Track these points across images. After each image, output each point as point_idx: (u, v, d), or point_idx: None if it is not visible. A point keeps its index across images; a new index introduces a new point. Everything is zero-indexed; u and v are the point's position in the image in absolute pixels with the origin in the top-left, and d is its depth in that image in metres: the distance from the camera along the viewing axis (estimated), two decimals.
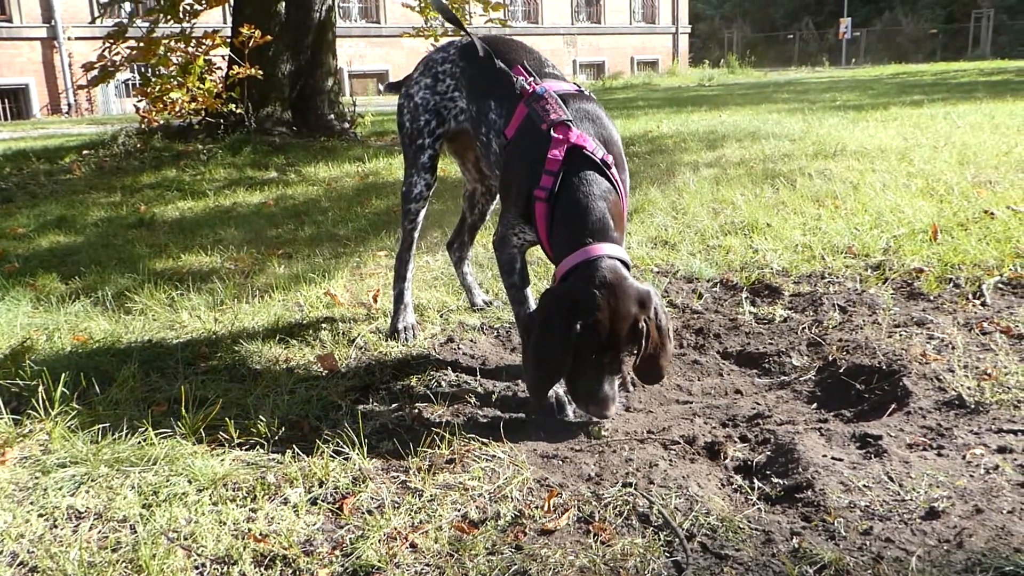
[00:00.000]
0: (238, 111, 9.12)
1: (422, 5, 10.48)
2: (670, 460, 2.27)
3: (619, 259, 2.37)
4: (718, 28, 41.88)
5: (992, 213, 4.43)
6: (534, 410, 2.60)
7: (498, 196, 3.32)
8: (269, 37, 8.74)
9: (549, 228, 2.49)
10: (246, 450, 2.35)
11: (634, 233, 4.56)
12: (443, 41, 9.77)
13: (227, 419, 2.48)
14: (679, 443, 2.37)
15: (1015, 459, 2.12)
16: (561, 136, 2.48)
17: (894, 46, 35.96)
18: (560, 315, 2.29)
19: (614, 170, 2.49)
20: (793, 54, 39.55)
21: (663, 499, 2.04)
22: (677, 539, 1.88)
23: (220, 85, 9.26)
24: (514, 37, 3.18)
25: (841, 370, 2.79)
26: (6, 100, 19.69)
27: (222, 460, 2.27)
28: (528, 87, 2.65)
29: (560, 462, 2.28)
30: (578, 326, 2.26)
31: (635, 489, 2.09)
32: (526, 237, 2.66)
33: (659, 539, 1.90)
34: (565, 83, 2.75)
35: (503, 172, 2.74)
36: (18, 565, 1.87)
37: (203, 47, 9.00)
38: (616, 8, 31.62)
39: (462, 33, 3.09)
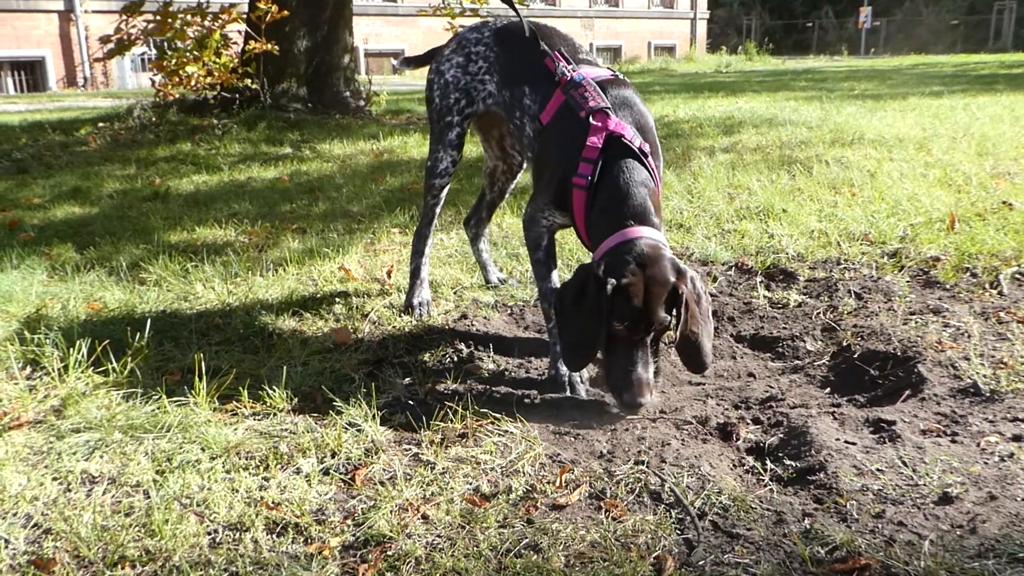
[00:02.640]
0: (254, 86, 9.10)
1: None
2: (682, 440, 2.27)
3: (659, 241, 2.35)
4: (736, 15, 41.48)
5: (1011, 204, 4.39)
6: (546, 388, 2.60)
7: (517, 175, 3.32)
8: (286, 12, 8.71)
9: (587, 216, 2.48)
10: (259, 420, 2.36)
11: None
12: (459, 21, 9.75)
13: (240, 389, 2.50)
14: (691, 423, 2.37)
15: None
16: (600, 124, 2.47)
17: (914, 36, 35.56)
18: (595, 283, 2.28)
19: (650, 159, 2.49)
20: (812, 42, 39.18)
21: (675, 477, 2.04)
22: (688, 517, 1.89)
23: (236, 60, 9.24)
24: (532, 19, 3.17)
25: (855, 355, 2.78)
26: (23, 72, 19.70)
27: (235, 429, 2.28)
28: (567, 74, 2.64)
29: (572, 439, 2.28)
30: (609, 286, 2.23)
31: (647, 467, 2.09)
32: (555, 220, 2.65)
33: (670, 517, 1.90)
34: (600, 68, 2.75)
35: (537, 157, 2.74)
36: (32, 527, 1.89)
37: (219, 21, 8.96)
38: None
39: (481, 13, 3.10)
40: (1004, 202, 4.44)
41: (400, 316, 3.15)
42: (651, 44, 31.69)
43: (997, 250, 3.64)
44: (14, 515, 1.92)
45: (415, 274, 3.24)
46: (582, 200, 2.47)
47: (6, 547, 1.81)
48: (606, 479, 2.05)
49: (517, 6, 3.03)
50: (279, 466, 2.12)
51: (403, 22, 24.17)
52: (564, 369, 2.59)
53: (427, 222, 3.23)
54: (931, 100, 10.06)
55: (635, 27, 31.20)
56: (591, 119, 2.48)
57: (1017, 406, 2.33)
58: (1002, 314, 2.98)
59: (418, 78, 21.44)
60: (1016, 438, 2.16)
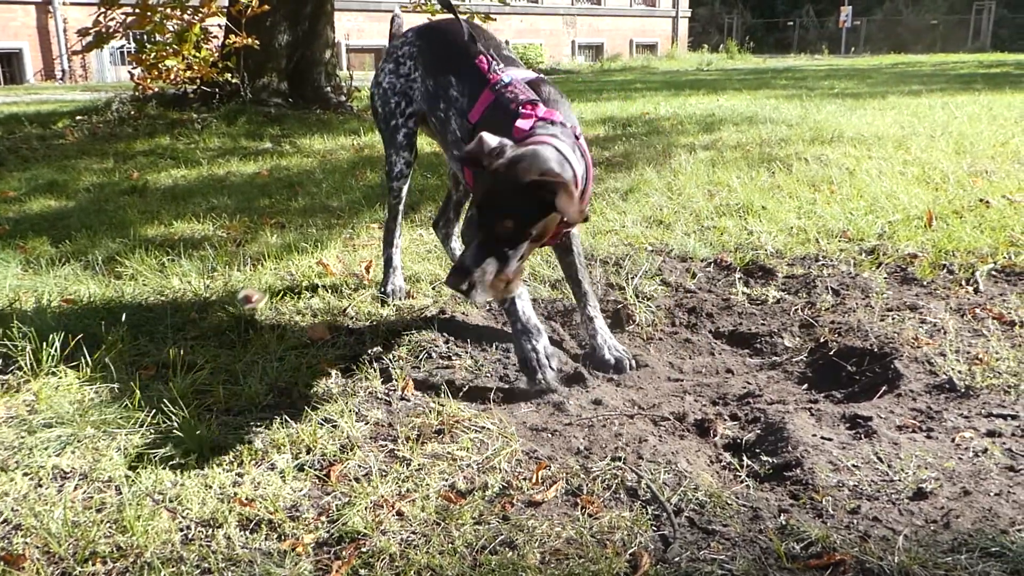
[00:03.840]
0: (234, 81, 9.03)
1: None
2: (660, 436, 2.27)
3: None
4: (718, 13, 41.57)
5: (987, 202, 4.43)
6: (523, 382, 2.58)
7: None
8: (267, 7, 8.64)
9: None
10: (234, 415, 2.34)
11: (629, 212, 4.54)
12: (439, 17, 9.67)
13: (216, 384, 2.47)
14: (669, 419, 2.37)
15: (1004, 443, 2.12)
16: (529, 111, 2.48)
17: (894, 36, 35.84)
18: None
19: (582, 141, 2.50)
20: (792, 41, 39.38)
21: (652, 474, 2.04)
22: (665, 513, 1.88)
23: (216, 54, 9.16)
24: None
25: (832, 352, 2.79)
26: (0, 64, 19.47)
27: (209, 424, 2.26)
28: (497, 73, 2.65)
29: (549, 435, 2.27)
30: None
31: (624, 463, 2.09)
32: None
33: (647, 513, 1.90)
34: (526, 70, 2.78)
35: None
36: (2, 523, 1.86)
37: (199, 15, 8.88)
38: None
39: (461, 9, 3.12)
40: (981, 200, 4.48)
41: (379, 310, 3.13)
42: (633, 42, 31.73)
43: (974, 247, 3.67)
44: None
45: (387, 263, 3.35)
46: None
47: None
48: (583, 476, 2.05)
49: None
50: (253, 462, 2.09)
51: (385, 18, 24.04)
52: (536, 356, 2.53)
53: (392, 218, 3.33)
54: (910, 99, 10.13)
55: (617, 25, 31.23)
56: (521, 109, 2.49)
57: (991, 402, 2.35)
58: (978, 311, 3.00)
59: None
60: (990, 434, 2.18)
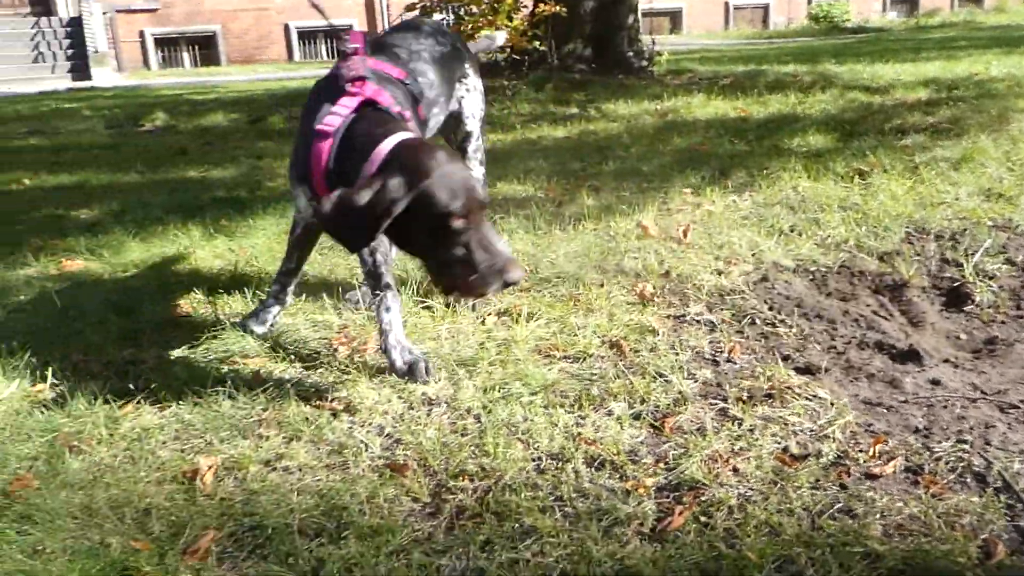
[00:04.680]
0: (542, 48, 9.41)
1: None
2: (1008, 424, 2.13)
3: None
4: None
5: None
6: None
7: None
8: None
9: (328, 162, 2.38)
10: (571, 363, 2.53)
11: (961, 184, 4.19)
12: None
13: (553, 333, 2.68)
14: (1019, 408, 2.21)
15: None
16: (356, 90, 2.45)
17: None
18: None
19: (411, 124, 2.44)
20: None
21: (1003, 462, 1.93)
22: (1020, 504, 1.79)
23: (526, 23, 9.59)
24: None
25: None
26: (334, 40, 21.83)
27: (550, 369, 2.46)
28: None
29: (884, 410, 2.22)
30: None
31: (970, 447, 2.00)
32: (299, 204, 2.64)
33: (998, 501, 1.81)
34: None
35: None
36: (385, 436, 2.18)
37: None
38: None
39: None
40: None
41: (699, 272, 3.16)
42: None
43: None
44: (370, 424, 2.23)
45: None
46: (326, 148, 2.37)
47: (366, 450, 2.11)
48: (924, 454, 1.99)
49: None
50: (592, 407, 2.26)
51: None
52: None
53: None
54: None
55: None
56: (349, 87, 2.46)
57: None
58: None
59: (695, 38, 20.97)
60: None
